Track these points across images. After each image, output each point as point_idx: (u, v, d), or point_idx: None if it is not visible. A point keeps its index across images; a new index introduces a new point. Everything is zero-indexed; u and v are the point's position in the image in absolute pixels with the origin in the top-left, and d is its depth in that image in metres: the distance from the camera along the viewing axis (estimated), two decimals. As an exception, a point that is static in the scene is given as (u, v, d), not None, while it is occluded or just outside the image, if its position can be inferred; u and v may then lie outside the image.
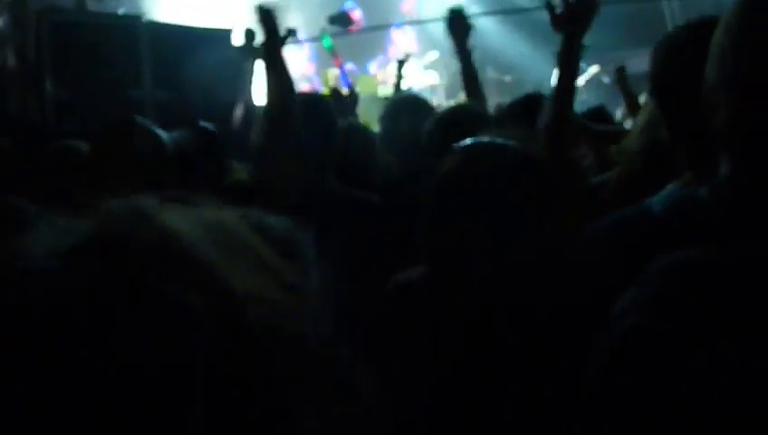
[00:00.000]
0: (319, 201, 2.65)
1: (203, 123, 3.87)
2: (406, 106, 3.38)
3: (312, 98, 3.13)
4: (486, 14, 15.10)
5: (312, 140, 2.73)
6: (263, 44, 3.02)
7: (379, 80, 12.88)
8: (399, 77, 5.88)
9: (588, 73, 13.01)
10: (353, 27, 8.90)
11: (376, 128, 7.84)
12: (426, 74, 13.60)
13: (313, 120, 2.78)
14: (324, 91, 13.33)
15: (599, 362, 1.03)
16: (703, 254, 1.01)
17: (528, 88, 14.78)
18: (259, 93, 8.69)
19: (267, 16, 2.99)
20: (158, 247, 0.61)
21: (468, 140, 1.87)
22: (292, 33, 9.37)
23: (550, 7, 2.61)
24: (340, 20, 7.72)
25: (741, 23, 1.11)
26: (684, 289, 0.97)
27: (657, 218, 1.21)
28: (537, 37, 15.44)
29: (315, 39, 11.42)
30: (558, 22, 2.57)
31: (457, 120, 2.81)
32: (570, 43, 2.53)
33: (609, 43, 14.85)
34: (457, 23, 4.05)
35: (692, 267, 0.99)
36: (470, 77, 3.99)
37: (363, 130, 3.58)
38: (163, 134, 2.53)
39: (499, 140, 1.82)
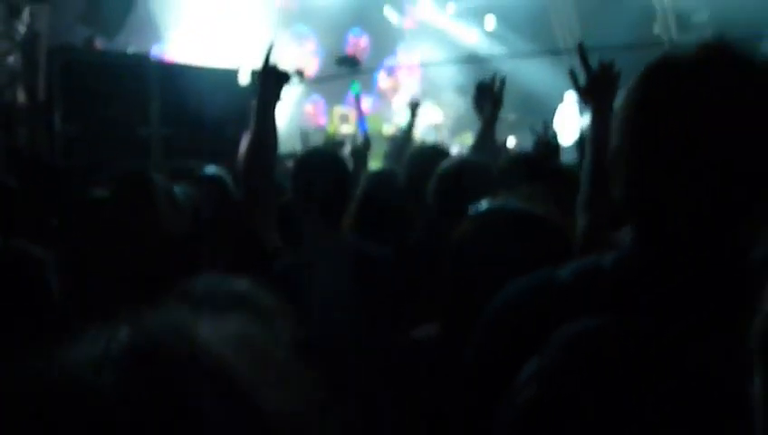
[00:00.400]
0: (332, 254, 2.64)
1: (212, 171, 3.86)
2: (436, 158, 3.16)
3: (325, 151, 3.12)
4: (492, 56, 15.36)
5: (326, 193, 2.71)
6: (259, 95, 3.03)
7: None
8: (412, 122, 5.81)
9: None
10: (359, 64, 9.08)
11: (379, 164, 7.94)
12: (430, 113, 13.79)
13: (327, 172, 2.77)
14: (330, 128, 13.53)
15: (500, 431, 1.06)
16: (597, 327, 1.04)
17: (531, 124, 15.01)
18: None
19: (272, 73, 3.03)
20: (190, 362, 0.63)
21: (484, 205, 1.82)
22: (300, 74, 9.51)
23: (574, 78, 2.63)
24: (348, 61, 7.85)
25: (633, 97, 1.15)
26: (578, 362, 1.00)
27: (564, 286, 1.20)
28: (542, 77, 15.69)
29: (331, 78, 11.63)
30: (585, 94, 2.58)
31: (460, 176, 2.72)
32: (599, 114, 2.48)
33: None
34: (486, 95, 3.99)
35: (586, 340, 1.02)
36: (489, 138, 3.94)
37: (387, 178, 3.44)
38: (177, 190, 2.56)
39: (514, 205, 1.80)
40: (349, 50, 15.80)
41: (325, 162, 2.84)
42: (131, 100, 7.36)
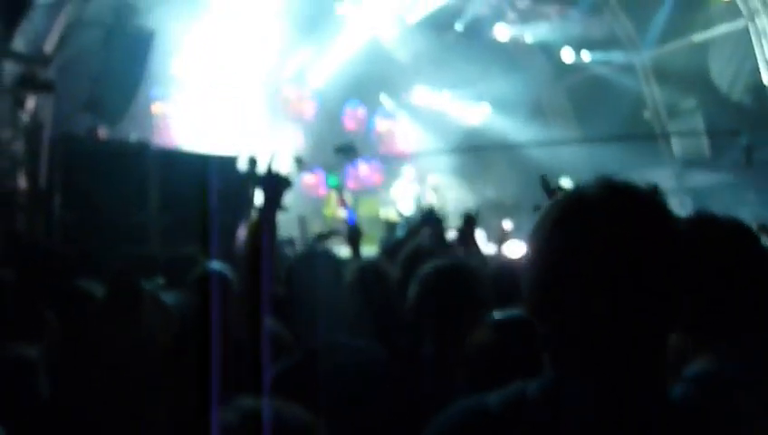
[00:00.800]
0: (325, 355, 2.61)
1: (216, 267, 3.80)
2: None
3: (319, 253, 3.06)
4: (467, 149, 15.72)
5: (320, 295, 2.71)
6: (263, 203, 3.12)
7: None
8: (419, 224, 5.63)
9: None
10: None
11: (375, 248, 7.96)
12: (426, 195, 13.97)
13: (323, 274, 2.77)
14: (327, 211, 13.63)
15: None
16: None
17: (526, 210, 15.18)
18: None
19: (276, 182, 3.13)
20: None
21: (499, 315, 1.86)
22: (299, 162, 9.63)
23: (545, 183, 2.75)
24: (347, 151, 8.00)
25: (541, 232, 1.22)
26: None
27: (492, 417, 1.23)
28: (538, 162, 15.99)
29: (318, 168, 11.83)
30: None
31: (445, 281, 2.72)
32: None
33: (611, 166, 15.41)
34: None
35: None
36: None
37: (382, 277, 3.37)
38: (169, 299, 2.54)
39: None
40: (347, 121, 16.11)
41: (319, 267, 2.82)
42: (131, 187, 7.46)
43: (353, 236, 4.94)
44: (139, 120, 10.94)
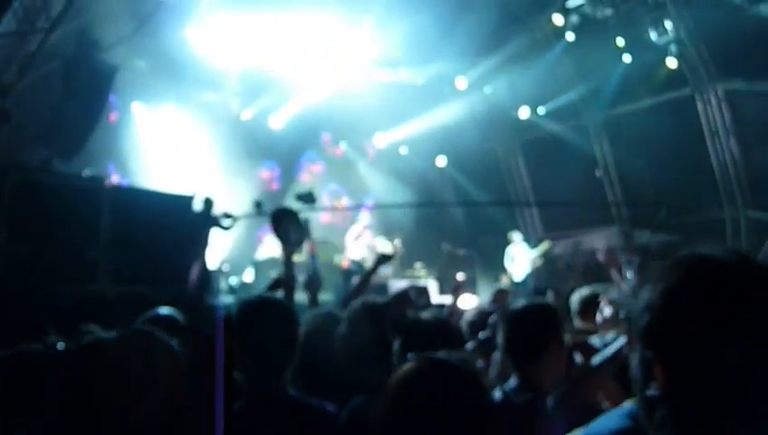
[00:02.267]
0: (273, 408, 2.56)
1: (165, 312, 3.73)
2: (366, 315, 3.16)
3: (275, 302, 2.97)
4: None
5: (272, 346, 2.65)
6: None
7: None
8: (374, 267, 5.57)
9: (540, 248, 13.60)
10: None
11: (329, 295, 7.92)
12: (380, 244, 14.01)
13: (276, 324, 2.71)
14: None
15: None
16: None
17: (478, 261, 15.35)
18: (212, 258, 8.85)
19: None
20: None
21: (412, 359, 1.92)
22: (258, 205, 9.58)
23: None
24: (307, 198, 8.03)
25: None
26: None
27: None
28: (491, 218, 16.27)
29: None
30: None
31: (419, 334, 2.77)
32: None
33: (564, 222, 15.80)
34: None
35: None
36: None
37: (326, 334, 3.34)
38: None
39: (447, 359, 1.89)
40: (304, 176, 16.22)
41: (272, 316, 2.76)
42: (82, 223, 7.30)
43: (314, 284, 4.93)
44: (95, 156, 10.78)
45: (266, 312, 2.75)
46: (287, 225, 3.88)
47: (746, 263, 1.23)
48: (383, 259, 5.16)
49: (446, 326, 3.01)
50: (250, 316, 2.75)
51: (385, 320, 3.02)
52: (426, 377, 1.81)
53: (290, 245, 3.97)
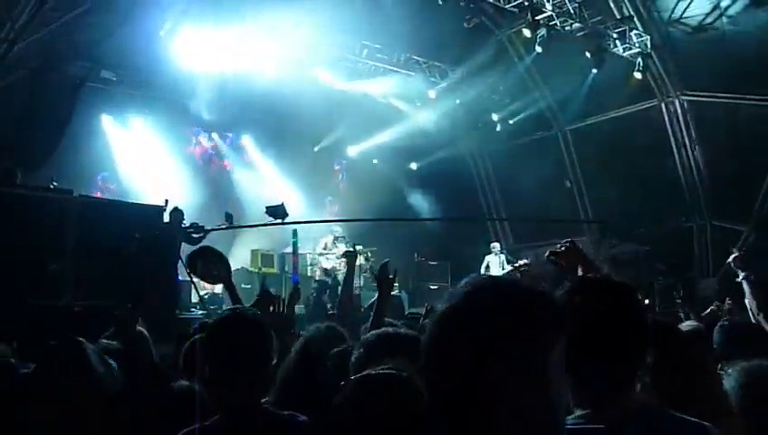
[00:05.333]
0: (246, 422, 2.55)
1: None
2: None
3: (248, 316, 2.95)
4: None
5: (246, 361, 2.64)
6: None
7: None
8: (350, 275, 5.61)
9: (516, 265, 13.68)
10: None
11: (300, 307, 7.88)
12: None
13: (248, 339, 2.70)
14: (252, 268, 13.41)
15: None
16: None
17: (451, 272, 15.38)
18: (182, 270, 8.72)
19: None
20: None
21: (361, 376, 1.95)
22: (228, 217, 9.50)
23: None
24: (277, 212, 7.99)
25: None
26: None
27: None
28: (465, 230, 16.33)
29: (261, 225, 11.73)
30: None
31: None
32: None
33: (533, 233, 15.96)
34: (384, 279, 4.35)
35: None
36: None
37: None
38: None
39: (388, 374, 1.92)
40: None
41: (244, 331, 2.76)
42: (47, 234, 7.14)
43: (293, 298, 4.92)
44: (62, 167, 10.58)
45: (239, 327, 2.74)
46: (206, 264, 3.86)
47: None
48: (349, 256, 5.30)
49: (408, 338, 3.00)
50: (223, 331, 2.74)
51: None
52: (359, 395, 1.84)
53: (215, 281, 3.93)
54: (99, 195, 12.00)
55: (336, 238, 13.12)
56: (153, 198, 10.21)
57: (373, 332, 2.91)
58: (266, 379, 2.68)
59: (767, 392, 2.25)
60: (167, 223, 8.69)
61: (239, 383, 2.57)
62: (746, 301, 4.65)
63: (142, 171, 13.22)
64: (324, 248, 13.10)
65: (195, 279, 9.10)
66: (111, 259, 7.34)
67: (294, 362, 3.15)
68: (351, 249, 5.91)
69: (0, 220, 6.94)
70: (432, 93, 15.65)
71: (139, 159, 13.37)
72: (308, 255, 13.69)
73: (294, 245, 9.68)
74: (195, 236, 9.23)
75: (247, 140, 15.63)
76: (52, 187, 8.46)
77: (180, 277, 8.94)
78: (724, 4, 12.17)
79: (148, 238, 7.58)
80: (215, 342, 2.66)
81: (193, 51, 12.23)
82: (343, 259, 13.62)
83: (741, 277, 4.73)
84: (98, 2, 9.94)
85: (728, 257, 5.20)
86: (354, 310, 4.90)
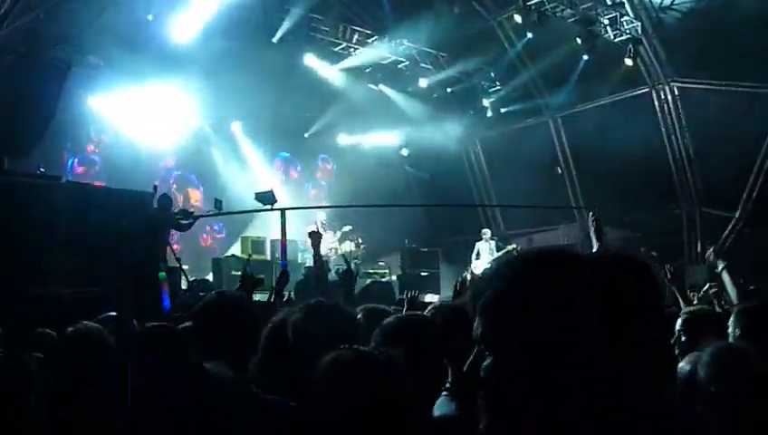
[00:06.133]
0: (237, 405, 2.53)
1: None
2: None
3: (235, 300, 2.94)
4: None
5: (233, 343, 2.63)
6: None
7: None
8: (316, 252, 5.67)
9: (504, 251, 13.70)
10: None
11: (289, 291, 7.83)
12: (342, 243, 13.98)
13: (235, 322, 2.68)
14: (243, 254, 13.38)
15: None
16: None
17: (442, 258, 15.38)
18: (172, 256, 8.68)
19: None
20: None
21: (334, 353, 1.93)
22: (218, 203, 9.44)
23: None
24: (266, 198, 7.96)
25: None
26: None
27: None
28: (449, 218, 16.29)
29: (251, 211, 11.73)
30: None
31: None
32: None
33: (525, 220, 15.98)
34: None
35: None
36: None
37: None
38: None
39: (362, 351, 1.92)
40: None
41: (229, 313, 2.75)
42: (35, 221, 7.05)
43: (282, 281, 4.93)
44: (51, 154, 10.47)
45: (224, 308, 2.74)
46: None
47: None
48: (313, 236, 5.40)
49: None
50: (209, 313, 2.74)
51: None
52: (338, 370, 1.82)
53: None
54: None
55: (323, 224, 13.10)
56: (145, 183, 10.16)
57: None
58: (252, 359, 2.67)
59: (740, 377, 2.24)
60: (155, 209, 8.62)
61: (226, 364, 2.55)
62: (728, 289, 4.66)
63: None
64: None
65: (184, 266, 9.12)
66: (100, 246, 7.28)
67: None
68: (315, 229, 6.02)
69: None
70: (423, 82, 15.63)
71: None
72: (298, 241, 13.64)
73: (283, 226, 9.65)
74: (184, 222, 9.16)
75: (236, 127, 15.52)
76: (39, 172, 8.38)
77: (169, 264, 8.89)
78: (715, -10, 12.17)
79: (137, 224, 7.52)
80: (202, 323, 2.66)
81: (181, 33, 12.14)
82: (334, 246, 13.64)
83: (720, 268, 4.74)
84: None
85: (708, 250, 5.27)
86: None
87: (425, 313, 4.53)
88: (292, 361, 2.71)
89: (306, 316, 2.53)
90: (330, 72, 14.79)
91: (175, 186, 14.81)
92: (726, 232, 13.37)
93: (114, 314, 3.63)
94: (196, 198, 15.18)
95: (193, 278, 10.21)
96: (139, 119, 13.28)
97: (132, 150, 13.30)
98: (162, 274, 9.05)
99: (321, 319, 2.49)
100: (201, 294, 10.05)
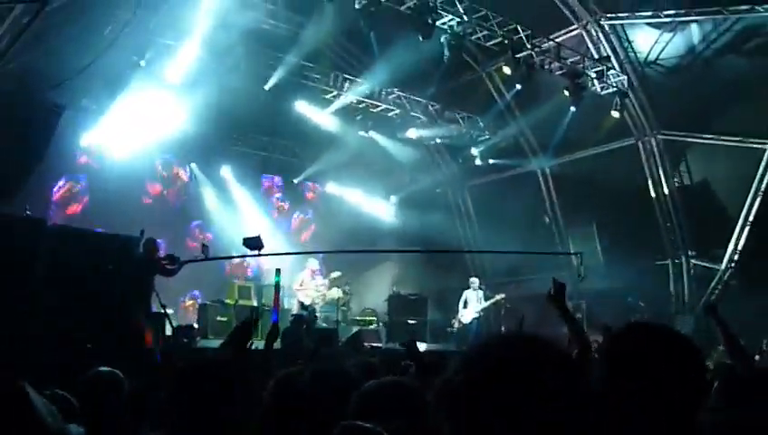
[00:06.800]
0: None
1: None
2: None
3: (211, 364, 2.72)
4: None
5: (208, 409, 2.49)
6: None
7: None
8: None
9: (493, 300, 13.64)
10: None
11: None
12: (330, 290, 13.84)
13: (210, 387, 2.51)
14: (230, 300, 13.25)
15: None
16: None
17: (430, 305, 15.26)
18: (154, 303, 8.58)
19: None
20: None
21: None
22: (205, 249, 9.39)
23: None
24: (253, 243, 7.96)
25: None
26: None
27: None
28: (438, 265, 16.27)
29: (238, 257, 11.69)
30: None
31: None
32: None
33: (512, 268, 15.92)
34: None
35: None
36: None
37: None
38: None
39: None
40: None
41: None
42: (17, 262, 6.97)
43: (271, 335, 4.83)
44: (38, 196, 10.43)
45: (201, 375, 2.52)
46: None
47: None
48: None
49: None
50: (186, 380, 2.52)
51: None
52: None
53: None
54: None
55: (313, 272, 13.03)
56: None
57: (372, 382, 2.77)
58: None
59: None
60: (141, 253, 8.56)
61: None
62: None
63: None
64: (301, 285, 12.98)
65: (168, 310, 9.02)
66: (84, 289, 7.20)
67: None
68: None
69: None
70: (413, 133, 15.81)
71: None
72: (285, 287, 13.55)
73: (277, 284, 9.61)
74: (169, 267, 9.09)
75: (226, 171, 15.55)
76: (25, 215, 8.32)
77: (154, 308, 8.77)
78: (699, 48, 12.45)
79: (122, 268, 7.46)
80: (180, 390, 2.45)
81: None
82: (320, 293, 13.49)
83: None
84: (71, 38, 9.94)
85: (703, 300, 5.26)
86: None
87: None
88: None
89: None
90: (320, 118, 14.90)
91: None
92: (713, 283, 13.43)
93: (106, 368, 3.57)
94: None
95: (177, 324, 10.08)
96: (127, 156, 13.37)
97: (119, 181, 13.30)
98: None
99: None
100: (185, 341, 9.98)
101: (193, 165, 15.08)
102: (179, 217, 14.76)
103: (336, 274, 13.38)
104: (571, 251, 15.52)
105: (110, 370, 3.55)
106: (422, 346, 12.57)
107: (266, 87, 13.27)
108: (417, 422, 2.26)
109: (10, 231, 7.21)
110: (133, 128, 13.02)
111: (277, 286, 9.59)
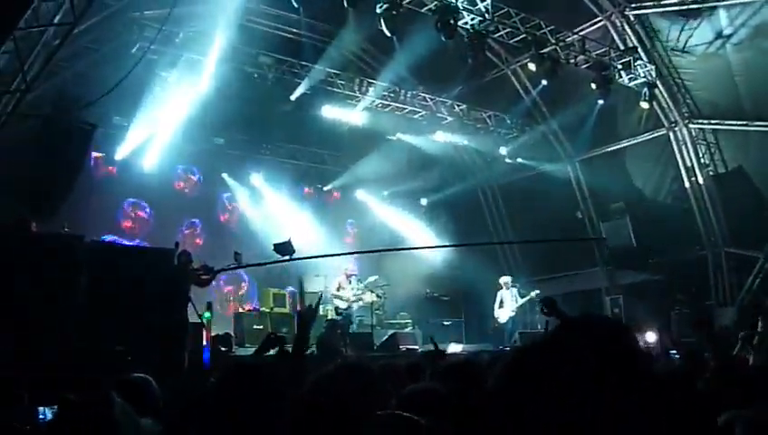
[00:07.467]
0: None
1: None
2: None
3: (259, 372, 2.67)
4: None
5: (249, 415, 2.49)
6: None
7: None
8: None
9: (528, 297, 13.53)
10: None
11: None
12: (366, 293, 13.85)
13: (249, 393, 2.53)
14: (264, 308, 13.38)
15: None
16: None
17: (464, 306, 15.23)
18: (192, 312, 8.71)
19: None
20: None
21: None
22: (237, 256, 9.49)
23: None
24: (284, 248, 8.01)
25: None
26: None
27: None
28: (477, 264, 16.21)
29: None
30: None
31: None
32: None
33: (547, 265, 15.82)
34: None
35: None
36: None
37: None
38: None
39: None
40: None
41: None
42: (58, 279, 7.15)
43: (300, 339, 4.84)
44: (76, 212, 10.66)
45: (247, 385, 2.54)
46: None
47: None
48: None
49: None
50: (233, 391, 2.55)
51: None
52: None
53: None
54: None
55: (349, 277, 13.04)
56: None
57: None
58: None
59: None
60: (176, 266, 8.70)
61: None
62: None
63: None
64: (338, 289, 13.00)
65: (204, 320, 9.13)
66: (123, 304, 7.34)
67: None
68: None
69: (17, 267, 6.96)
70: (440, 136, 15.78)
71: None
72: (321, 293, 13.61)
73: (208, 320, 9.53)
74: (204, 277, 9.22)
75: (257, 179, 15.71)
76: (63, 232, 8.53)
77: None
78: (726, 33, 12.21)
79: (159, 281, 7.59)
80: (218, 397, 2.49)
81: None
82: (356, 297, 13.50)
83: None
84: (100, 58, 10.17)
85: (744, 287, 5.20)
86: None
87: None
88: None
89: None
90: (347, 123, 14.95)
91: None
92: (755, 271, 13.12)
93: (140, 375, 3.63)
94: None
95: (215, 333, 10.21)
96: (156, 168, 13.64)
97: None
98: (207, 314, 9.00)
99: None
100: (222, 349, 10.10)
101: (224, 175, 15.28)
102: (213, 230, 14.97)
103: (372, 278, 13.39)
104: (606, 247, 15.37)
105: (142, 375, 3.62)
106: (458, 347, 12.60)
107: (293, 97, 13.40)
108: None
109: (53, 248, 7.40)
110: (162, 141, 13.27)
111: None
